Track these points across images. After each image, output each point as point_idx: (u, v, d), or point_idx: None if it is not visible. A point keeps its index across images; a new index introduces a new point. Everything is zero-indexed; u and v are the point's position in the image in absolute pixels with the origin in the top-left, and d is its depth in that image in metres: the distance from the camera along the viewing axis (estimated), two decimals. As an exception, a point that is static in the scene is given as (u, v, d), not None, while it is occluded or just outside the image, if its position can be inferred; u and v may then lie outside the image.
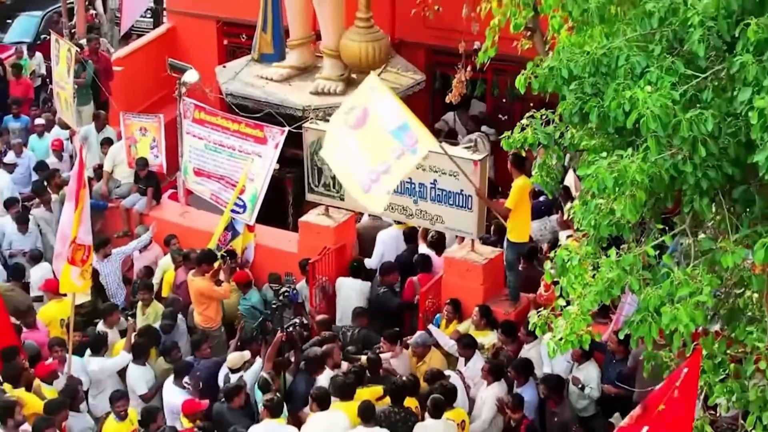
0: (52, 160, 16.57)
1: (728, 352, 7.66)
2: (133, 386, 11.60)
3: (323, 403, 10.30)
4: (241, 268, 13.56)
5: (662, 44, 7.08)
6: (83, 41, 18.84)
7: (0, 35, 22.88)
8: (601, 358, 11.18)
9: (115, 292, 13.99)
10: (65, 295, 12.36)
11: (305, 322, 11.93)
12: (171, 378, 11.34)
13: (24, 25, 22.92)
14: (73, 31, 20.45)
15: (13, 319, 12.26)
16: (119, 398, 10.77)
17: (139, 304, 13.12)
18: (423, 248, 13.13)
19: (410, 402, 10.58)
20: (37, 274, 13.94)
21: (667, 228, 7.43)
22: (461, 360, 11.47)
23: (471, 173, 11.54)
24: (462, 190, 12.06)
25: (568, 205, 12.90)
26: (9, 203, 15.12)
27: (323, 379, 10.97)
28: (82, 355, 11.91)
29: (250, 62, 16.24)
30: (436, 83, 16.44)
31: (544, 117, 8.18)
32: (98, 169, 15.68)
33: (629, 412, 10.57)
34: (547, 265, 7.77)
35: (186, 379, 11.23)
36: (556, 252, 7.55)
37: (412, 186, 12.23)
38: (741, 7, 6.81)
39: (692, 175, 6.77)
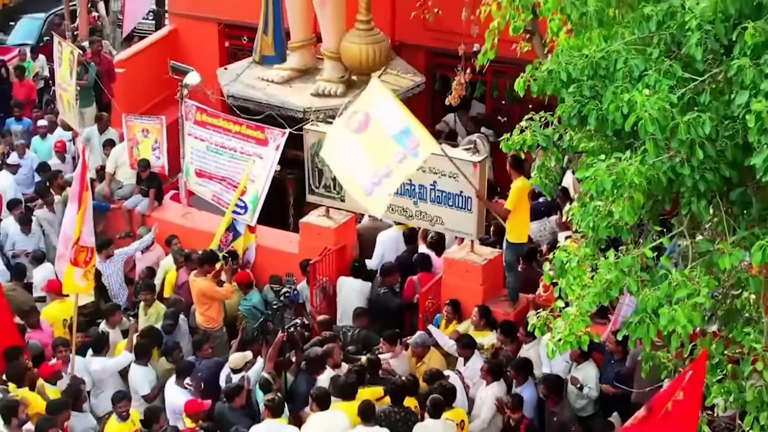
0: (54, 162, 16.58)
1: (726, 352, 7.66)
2: (136, 387, 11.60)
3: (323, 403, 10.30)
4: (242, 269, 13.57)
5: (660, 47, 7.10)
6: (86, 43, 18.85)
7: (3, 37, 22.88)
8: (600, 358, 11.19)
9: (118, 293, 14.00)
10: (68, 295, 12.36)
11: (306, 322, 11.93)
12: (173, 378, 11.34)
13: (27, 28, 22.94)
14: (75, 33, 20.45)
15: (17, 319, 12.27)
16: (121, 399, 10.77)
17: (142, 304, 13.13)
18: (423, 249, 13.14)
19: (409, 402, 10.59)
20: (40, 275, 13.95)
21: (665, 230, 7.44)
22: (460, 360, 11.47)
23: (470, 175, 11.55)
24: (461, 192, 12.06)
25: (567, 206, 12.94)
26: (12, 204, 15.13)
27: (324, 378, 10.97)
28: (84, 354, 11.92)
29: (251, 64, 16.23)
30: (435, 85, 16.43)
31: (543, 119, 8.19)
32: (100, 171, 15.69)
33: (627, 411, 10.67)
34: (546, 266, 7.77)
35: (187, 380, 11.22)
36: (554, 254, 7.56)
37: (412, 187, 12.23)
38: (738, 11, 6.83)
39: (690, 177, 6.79)
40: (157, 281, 13.74)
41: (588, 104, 7.25)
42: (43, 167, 16.21)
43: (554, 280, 7.65)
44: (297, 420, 10.75)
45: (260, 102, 15.26)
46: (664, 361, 8.17)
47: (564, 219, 10.28)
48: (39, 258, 14.27)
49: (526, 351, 11.40)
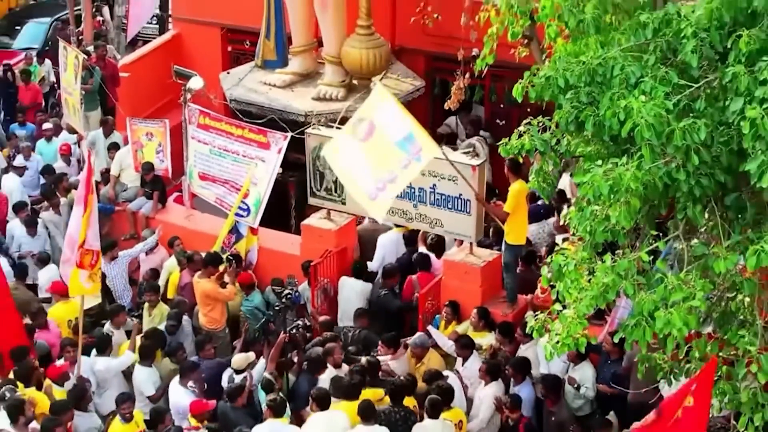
0: (60, 165, 16.59)
1: (720, 354, 7.67)
2: (141, 387, 11.60)
3: (323, 403, 10.31)
4: (245, 270, 13.57)
5: (656, 54, 7.12)
6: (90, 48, 18.86)
7: (9, 41, 22.86)
8: (597, 358, 11.20)
9: (122, 294, 14.00)
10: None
11: (308, 323, 11.93)
12: (177, 378, 11.35)
13: (33, 32, 22.91)
14: (80, 37, 20.46)
15: (26, 320, 12.29)
16: (124, 400, 10.76)
17: (146, 305, 13.14)
18: (423, 251, 13.16)
19: (408, 401, 10.60)
20: (45, 277, 13.97)
21: (660, 234, 7.45)
22: (459, 360, 11.48)
23: (470, 178, 11.56)
24: (461, 194, 12.07)
25: (564, 207, 12.96)
26: (18, 207, 15.14)
27: (325, 378, 10.98)
28: (88, 354, 11.92)
29: (253, 68, 16.23)
30: (435, 89, 16.43)
31: (540, 124, 8.20)
32: (105, 173, 15.70)
33: (624, 411, 10.69)
34: (544, 269, 7.78)
35: (191, 383, 11.23)
36: (552, 257, 7.57)
37: (412, 190, 12.23)
38: (733, 19, 6.86)
39: (685, 182, 6.81)
40: (161, 283, 13.75)
41: (585, 110, 7.28)
42: (48, 170, 16.22)
43: (552, 283, 7.67)
44: (299, 420, 10.77)
45: (262, 106, 15.26)
46: (660, 362, 8.19)
47: (562, 223, 10.30)
48: (44, 260, 14.28)
49: (524, 351, 11.40)
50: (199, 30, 17.67)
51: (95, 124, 17.18)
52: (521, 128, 8.24)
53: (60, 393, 11.05)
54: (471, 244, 12.37)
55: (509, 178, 11.70)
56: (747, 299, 7.42)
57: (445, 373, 11.09)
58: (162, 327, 12.49)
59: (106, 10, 23.17)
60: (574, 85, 7.36)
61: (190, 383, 11.22)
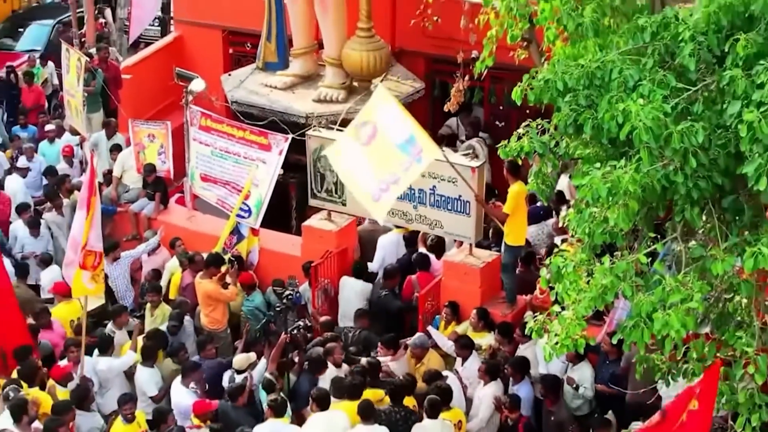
0: (62, 166, 16.59)
1: (718, 355, 7.68)
2: (144, 388, 11.59)
3: (323, 404, 10.31)
4: (246, 270, 13.58)
5: (654, 58, 7.14)
6: (93, 50, 18.86)
7: (12, 43, 22.86)
8: (595, 358, 11.20)
9: (124, 295, 14.00)
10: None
11: (309, 324, 11.94)
12: (179, 378, 11.34)
13: (35, 34, 22.89)
14: (83, 40, 20.46)
15: (30, 320, 12.31)
16: (126, 401, 10.75)
17: (148, 305, 13.13)
18: (422, 251, 13.17)
19: (408, 401, 10.61)
20: (48, 277, 13.97)
21: (659, 236, 7.46)
22: (458, 360, 11.49)
23: (469, 179, 11.57)
24: (460, 196, 12.08)
25: (563, 208, 12.96)
26: (21, 208, 15.14)
27: (326, 377, 10.98)
28: (90, 354, 11.92)
29: (254, 70, 16.21)
30: (435, 91, 16.44)
31: (539, 126, 8.21)
32: (107, 175, 15.69)
33: (623, 411, 10.70)
34: (543, 271, 7.78)
35: (192, 384, 11.23)
36: (551, 259, 7.58)
37: (412, 192, 12.23)
38: (730, 23, 6.87)
39: (683, 185, 6.82)
40: (163, 283, 13.75)
41: (584, 113, 7.28)
42: (50, 171, 16.22)
43: (551, 285, 7.67)
44: (300, 419, 10.78)
45: (264, 108, 15.26)
46: (658, 363, 8.19)
47: (561, 224, 10.32)
48: (46, 260, 14.29)
49: (523, 351, 11.41)
50: (200, 32, 17.66)
51: (98, 125, 17.17)
52: (520, 130, 8.25)
53: (63, 393, 11.05)
54: (470, 245, 12.37)
55: (508, 180, 11.70)
56: (744, 301, 7.43)
57: (445, 373, 11.10)
58: (164, 327, 12.49)
59: (108, 12, 23.15)
60: (572, 88, 7.37)
61: (192, 383, 11.22)
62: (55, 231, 15.06)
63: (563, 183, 13.48)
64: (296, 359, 11.44)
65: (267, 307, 12.95)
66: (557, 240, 12.65)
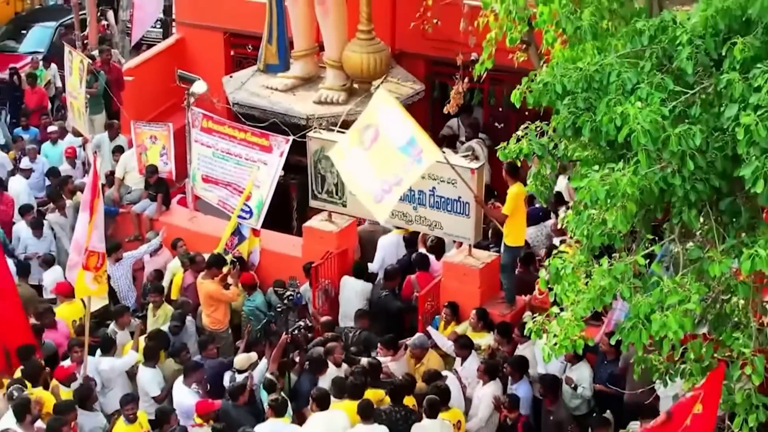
0: (65, 167, 16.59)
1: (715, 355, 7.68)
2: (146, 388, 11.57)
3: (323, 404, 10.32)
4: (247, 271, 13.58)
5: (652, 61, 7.15)
6: (95, 52, 18.87)
7: (15, 45, 22.86)
8: (593, 358, 11.20)
9: (126, 295, 14.02)
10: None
11: (310, 324, 11.95)
12: (181, 378, 11.35)
13: (38, 36, 22.90)
14: (85, 42, 20.47)
15: (32, 320, 12.31)
16: (128, 402, 10.74)
17: (150, 306, 13.14)
18: (422, 252, 13.18)
19: (408, 401, 10.61)
20: (50, 278, 13.97)
21: (656, 238, 7.46)
22: (458, 360, 11.50)
23: (469, 180, 11.57)
24: (460, 197, 12.09)
25: (561, 209, 12.97)
26: (24, 210, 15.15)
27: (327, 376, 10.99)
28: (93, 354, 11.92)
29: (255, 72, 16.20)
30: (434, 93, 16.44)
31: (538, 129, 8.21)
32: (110, 176, 15.69)
33: (621, 411, 10.70)
34: (542, 272, 7.79)
35: (194, 386, 11.24)
36: (550, 260, 7.58)
37: (412, 193, 12.23)
38: (727, 27, 6.88)
39: (681, 187, 6.82)
40: (165, 284, 13.75)
41: (582, 116, 7.28)
42: (53, 172, 16.23)
43: (549, 286, 7.67)
44: (301, 418, 10.79)
45: (265, 109, 15.26)
46: (656, 363, 8.19)
47: (559, 226, 10.34)
48: (49, 261, 14.29)
49: (521, 351, 11.41)
50: (202, 34, 17.65)
51: (100, 127, 17.19)
52: (519, 133, 8.25)
53: (66, 393, 11.05)
54: (470, 246, 12.38)
55: (507, 182, 11.71)
56: (741, 302, 7.44)
57: (444, 373, 11.10)
58: (166, 327, 12.49)
59: (110, 14, 23.15)
60: (571, 90, 7.37)
61: (194, 387, 11.23)
62: (58, 232, 15.07)
63: (561, 184, 13.49)
64: (297, 359, 11.45)
65: (268, 307, 12.94)
66: (556, 241, 12.65)
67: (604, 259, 7.23)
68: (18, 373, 11.32)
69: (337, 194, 13.14)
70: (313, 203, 13.54)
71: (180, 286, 13.63)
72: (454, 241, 12.88)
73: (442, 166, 11.26)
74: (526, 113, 8.87)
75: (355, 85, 15.39)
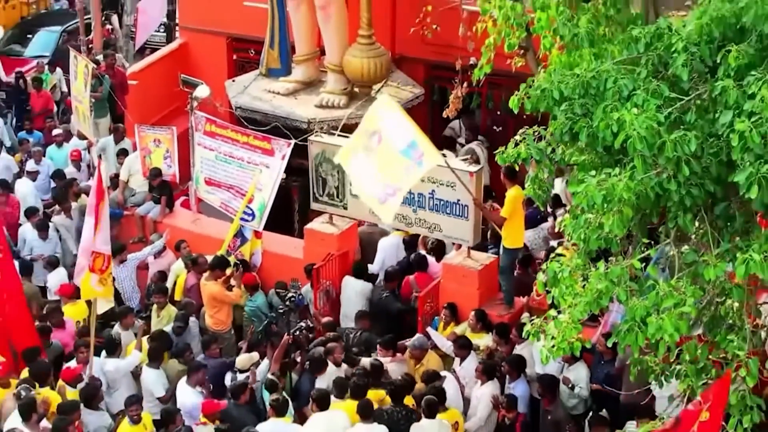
0: (70, 170, 16.58)
1: (710, 357, 7.69)
2: (151, 389, 11.55)
3: (323, 404, 10.33)
4: (249, 271, 13.59)
5: (648, 68, 7.15)
6: (100, 57, 18.87)
7: (21, 49, 22.86)
8: (590, 358, 11.20)
9: (131, 296, 14.02)
10: (79, 297, 12.41)
11: (311, 325, 11.96)
12: (184, 379, 11.35)
13: (44, 40, 22.87)
14: (90, 46, 20.47)
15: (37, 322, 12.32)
16: (133, 403, 10.74)
17: (154, 306, 13.15)
18: (421, 252, 13.19)
19: (408, 401, 10.61)
20: (54, 279, 13.96)
21: (652, 242, 7.47)
22: (456, 360, 11.51)
23: (468, 183, 11.58)
24: (459, 200, 12.10)
25: (559, 211, 12.98)
26: (30, 212, 15.14)
27: (326, 376, 10.99)
28: (98, 355, 11.93)
29: (258, 77, 16.22)
30: (434, 96, 16.44)
31: (536, 133, 8.22)
32: (114, 179, 15.70)
33: (617, 410, 10.70)
34: (540, 276, 7.79)
35: (198, 387, 11.24)
36: (548, 264, 7.59)
37: (412, 196, 12.23)
38: (722, 34, 6.88)
39: (676, 192, 6.82)
40: (169, 285, 13.75)
41: (579, 122, 7.28)
42: (58, 174, 16.22)
43: (547, 289, 7.68)
44: (302, 417, 10.80)
45: (267, 113, 15.26)
46: (652, 365, 8.19)
47: (557, 230, 10.33)
48: (53, 263, 14.27)
49: (519, 350, 11.43)
50: (205, 39, 17.65)
51: (105, 130, 17.20)
52: (517, 137, 8.26)
53: (73, 394, 11.06)
54: (468, 248, 12.38)
55: (506, 185, 11.73)
56: (736, 304, 7.43)
57: (443, 373, 11.11)
58: (169, 328, 12.49)
59: (115, 19, 23.16)
60: (568, 97, 7.37)
61: (198, 389, 11.23)
62: (63, 234, 15.07)
63: (559, 187, 13.48)
64: (298, 359, 11.46)
65: (269, 308, 12.95)
66: (554, 243, 12.66)
67: (600, 262, 7.23)
68: (25, 374, 11.33)
69: (338, 197, 13.15)
70: (314, 206, 13.54)
71: (183, 288, 13.63)
72: (453, 243, 12.88)
73: (441, 170, 11.27)
74: (524, 117, 8.89)
75: (356, 89, 15.40)
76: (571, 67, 7.92)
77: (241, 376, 11.24)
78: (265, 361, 11.44)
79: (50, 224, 15.02)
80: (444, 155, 11.59)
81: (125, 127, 16.71)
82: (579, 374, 11.04)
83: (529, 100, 7.76)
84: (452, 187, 11.94)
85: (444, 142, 15.56)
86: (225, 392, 11.30)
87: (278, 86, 15.73)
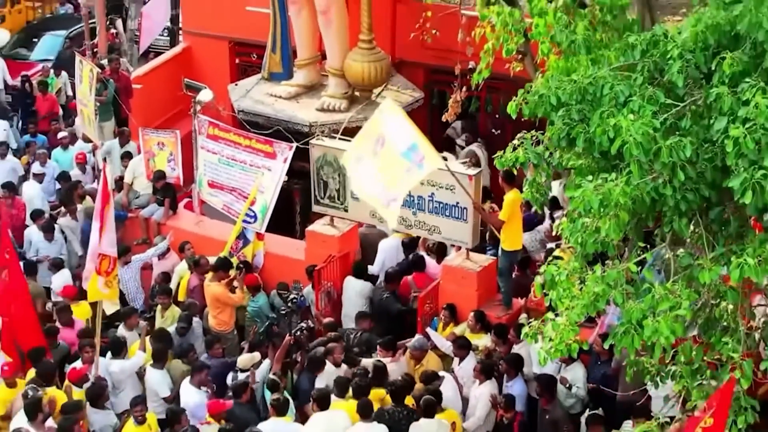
0: (75, 172, 16.59)
1: (704, 358, 7.70)
2: (156, 389, 11.54)
3: (323, 404, 10.34)
4: (251, 273, 13.60)
5: (644, 74, 7.16)
6: (104, 61, 18.89)
7: (27, 53, 22.89)
8: (587, 359, 11.22)
9: (135, 297, 14.04)
10: (82, 299, 12.41)
11: (312, 325, 11.97)
12: (188, 379, 11.35)
13: (49, 44, 22.91)
14: (95, 50, 20.48)
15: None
16: (137, 403, 10.74)
17: (158, 307, 13.16)
18: (420, 253, 13.22)
19: (408, 401, 10.63)
20: (59, 281, 13.96)
21: (648, 246, 7.48)
22: (455, 360, 11.53)
23: (467, 187, 11.59)
24: (458, 203, 12.11)
25: (557, 214, 12.99)
26: (36, 215, 15.15)
27: (325, 375, 11.01)
28: (103, 355, 11.93)
29: (260, 81, 16.24)
30: (433, 100, 16.45)
31: (534, 138, 8.23)
32: (119, 181, 15.72)
33: (613, 410, 10.71)
34: (538, 279, 7.81)
35: (202, 387, 11.26)
36: (545, 267, 7.60)
37: (412, 198, 12.26)
38: (717, 42, 6.90)
39: (672, 197, 6.83)
40: (173, 286, 13.77)
41: (576, 127, 7.30)
42: (63, 176, 16.23)
43: (545, 291, 7.69)
44: (302, 414, 10.81)
45: (269, 117, 15.28)
46: (648, 366, 8.21)
47: (554, 233, 10.34)
48: (58, 265, 14.27)
49: (517, 350, 11.44)
50: (208, 43, 17.68)
51: (109, 134, 17.22)
52: (515, 141, 8.27)
53: (78, 394, 11.07)
54: (467, 250, 12.40)
55: (504, 188, 11.74)
56: (730, 307, 7.44)
57: (442, 373, 11.12)
58: (173, 328, 12.50)
59: (119, 23, 23.18)
60: (565, 102, 7.38)
61: (204, 389, 11.25)
62: (69, 235, 15.08)
63: (556, 189, 13.50)
64: (299, 359, 11.47)
65: (271, 309, 12.97)
66: (551, 246, 12.66)
67: (597, 266, 7.24)
68: (31, 374, 11.34)
69: (339, 199, 13.17)
70: (315, 208, 13.56)
71: (187, 289, 13.64)
72: (452, 245, 12.90)
73: (441, 173, 11.28)
74: (523, 120, 8.91)
75: (357, 93, 15.42)
76: (569, 73, 7.92)
77: (241, 376, 11.26)
78: (266, 362, 11.46)
79: (56, 226, 15.03)
80: (444, 158, 11.60)
81: (130, 131, 16.73)
82: (576, 374, 11.06)
83: (526, 106, 7.76)
84: (452, 190, 11.95)
85: (444, 142, 15.58)
86: (226, 392, 11.30)
87: (280, 90, 15.75)
